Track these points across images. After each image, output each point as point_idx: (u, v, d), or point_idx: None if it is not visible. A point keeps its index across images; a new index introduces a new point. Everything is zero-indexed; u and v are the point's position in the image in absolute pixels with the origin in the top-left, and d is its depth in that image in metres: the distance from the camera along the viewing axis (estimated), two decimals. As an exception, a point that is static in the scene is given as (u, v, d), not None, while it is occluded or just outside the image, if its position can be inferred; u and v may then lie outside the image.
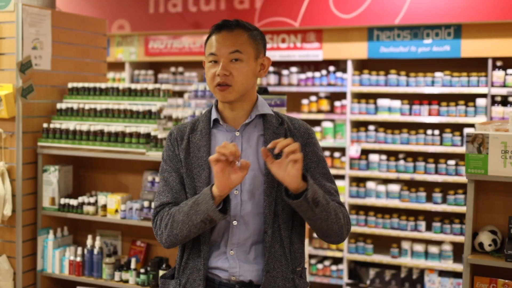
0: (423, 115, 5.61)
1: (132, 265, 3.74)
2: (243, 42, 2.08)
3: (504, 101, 5.34)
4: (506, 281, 2.72)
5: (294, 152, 1.91)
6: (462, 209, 5.37)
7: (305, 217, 2.04)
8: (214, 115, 2.15)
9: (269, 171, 2.03)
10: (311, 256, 6.00)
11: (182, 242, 2.09)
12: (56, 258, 3.95)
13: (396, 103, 5.72)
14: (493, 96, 5.37)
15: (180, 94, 6.49)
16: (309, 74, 6.04)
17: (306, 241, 3.86)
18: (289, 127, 2.14)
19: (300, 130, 2.15)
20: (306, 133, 2.15)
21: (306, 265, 3.85)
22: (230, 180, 1.95)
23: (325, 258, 6.11)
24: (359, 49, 5.77)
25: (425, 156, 5.75)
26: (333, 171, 5.89)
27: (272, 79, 6.14)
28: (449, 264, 5.46)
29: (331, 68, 5.98)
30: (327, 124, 6.01)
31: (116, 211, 3.80)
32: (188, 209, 2.01)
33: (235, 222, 2.07)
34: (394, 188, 5.71)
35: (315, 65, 6.26)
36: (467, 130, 5.21)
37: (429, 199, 5.68)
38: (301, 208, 1.98)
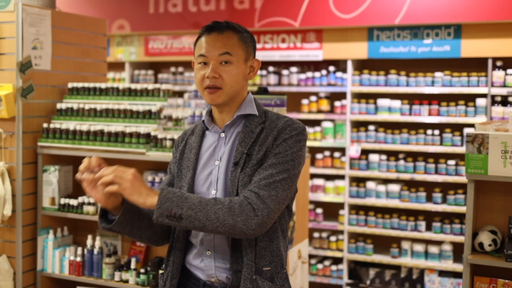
0: (423, 115, 5.62)
1: (132, 265, 3.74)
2: (233, 44, 2.07)
3: (504, 101, 5.34)
4: (506, 281, 2.72)
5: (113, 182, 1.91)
6: (462, 209, 5.37)
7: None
8: (203, 117, 2.18)
9: (234, 169, 2.03)
10: (311, 256, 6.00)
11: (145, 243, 2.19)
12: (56, 258, 3.95)
13: (396, 103, 5.72)
14: (493, 96, 5.37)
15: (180, 94, 6.49)
16: (309, 74, 6.04)
17: (306, 241, 3.85)
18: (270, 125, 2.07)
19: (278, 126, 2.05)
20: (282, 128, 2.04)
21: (306, 266, 3.83)
22: (101, 193, 1.98)
23: (325, 258, 6.11)
24: (359, 49, 5.77)
25: (425, 156, 5.75)
26: (333, 171, 5.90)
27: (272, 79, 6.14)
28: (449, 264, 5.46)
29: (331, 68, 5.98)
30: (327, 124, 6.01)
31: (116, 211, 3.80)
32: None
33: None
34: (394, 188, 5.71)
35: (315, 65, 6.26)
36: (467, 130, 5.21)
37: (429, 199, 5.68)
38: (164, 223, 1.96)
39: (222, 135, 2.13)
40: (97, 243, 3.86)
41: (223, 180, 2.06)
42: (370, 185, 5.80)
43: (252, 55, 2.14)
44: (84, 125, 3.90)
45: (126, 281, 3.75)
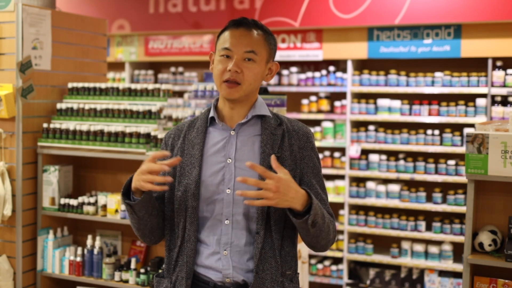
0: (423, 115, 5.62)
1: (132, 265, 3.74)
2: (259, 43, 2.09)
3: (504, 101, 5.34)
4: (506, 281, 2.72)
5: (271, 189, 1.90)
6: (462, 209, 5.37)
7: (299, 230, 2.06)
8: (211, 113, 2.16)
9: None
10: (311, 256, 5.99)
11: (143, 236, 2.16)
12: (56, 258, 3.95)
13: (396, 103, 5.72)
14: (493, 96, 5.37)
15: (180, 94, 6.50)
16: (309, 74, 6.04)
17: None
18: (288, 129, 2.13)
19: (299, 133, 2.13)
20: (304, 136, 2.13)
21: (306, 266, 3.84)
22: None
23: (325, 258, 6.11)
24: (359, 49, 5.77)
25: (425, 156, 5.75)
26: (333, 171, 5.90)
27: (272, 79, 6.13)
28: (449, 264, 5.46)
29: (331, 68, 5.98)
30: (327, 124, 6.01)
31: (116, 211, 3.80)
32: None
33: (227, 222, 2.07)
34: (394, 188, 5.71)
35: (315, 65, 6.26)
36: (467, 130, 5.21)
37: (429, 199, 5.68)
38: (299, 226, 2.00)
39: (233, 133, 2.12)
40: (97, 243, 3.86)
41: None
42: (370, 185, 5.80)
43: (273, 57, 2.17)
44: (84, 125, 3.90)
45: (126, 281, 3.75)
